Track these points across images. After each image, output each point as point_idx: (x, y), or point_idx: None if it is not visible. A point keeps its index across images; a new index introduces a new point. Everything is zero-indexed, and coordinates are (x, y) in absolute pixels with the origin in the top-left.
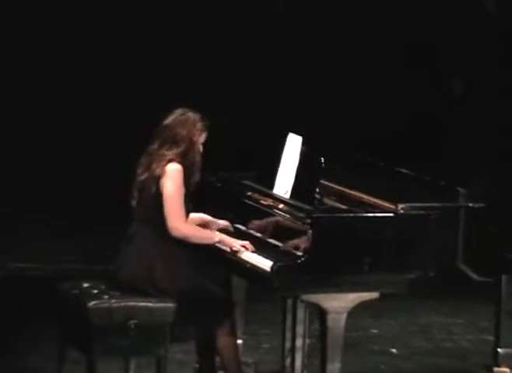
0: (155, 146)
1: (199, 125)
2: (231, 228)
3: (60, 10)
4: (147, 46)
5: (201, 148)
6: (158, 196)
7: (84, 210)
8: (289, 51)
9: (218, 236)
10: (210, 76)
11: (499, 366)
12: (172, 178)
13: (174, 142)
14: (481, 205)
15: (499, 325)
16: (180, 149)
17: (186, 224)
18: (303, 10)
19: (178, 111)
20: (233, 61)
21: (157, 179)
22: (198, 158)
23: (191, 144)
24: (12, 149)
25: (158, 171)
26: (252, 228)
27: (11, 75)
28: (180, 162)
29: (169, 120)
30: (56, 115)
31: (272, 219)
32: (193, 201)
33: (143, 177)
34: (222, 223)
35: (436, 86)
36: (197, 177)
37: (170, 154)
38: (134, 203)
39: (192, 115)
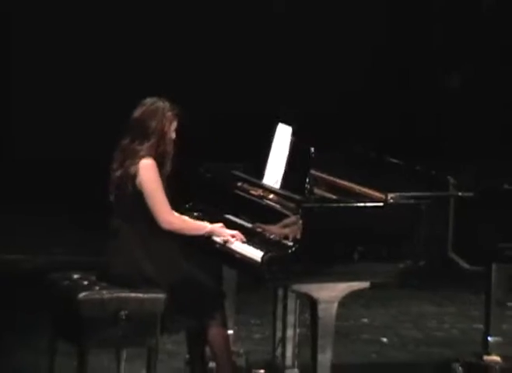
0: (127, 140)
1: (169, 114)
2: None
3: (57, 11)
4: (136, 47)
5: (173, 135)
6: (136, 195)
7: (73, 206)
8: (285, 50)
9: (208, 227)
10: (205, 75)
11: (489, 354)
12: (147, 174)
13: (145, 136)
14: (470, 194)
15: (490, 314)
16: (152, 142)
17: (176, 216)
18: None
19: (147, 101)
20: (226, 60)
21: (132, 178)
22: (169, 149)
23: (163, 135)
24: (3, 149)
25: (132, 169)
26: (243, 219)
27: None
28: (152, 156)
29: (138, 113)
30: (46, 114)
31: (263, 209)
32: (187, 197)
33: (118, 174)
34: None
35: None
36: (168, 167)
37: (141, 149)
38: (112, 198)
39: (161, 104)
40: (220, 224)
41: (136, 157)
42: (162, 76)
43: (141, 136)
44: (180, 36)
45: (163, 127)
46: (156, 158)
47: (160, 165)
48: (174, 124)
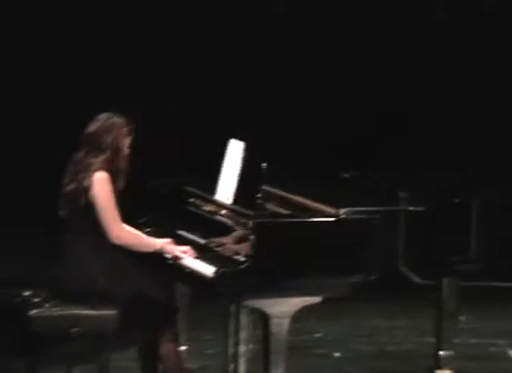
0: (81, 154)
1: (125, 130)
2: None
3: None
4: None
5: (127, 151)
6: (89, 207)
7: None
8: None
9: (160, 243)
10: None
11: (441, 368)
12: (101, 188)
13: (100, 150)
14: (422, 209)
15: (441, 327)
16: (106, 156)
17: (126, 231)
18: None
19: (103, 117)
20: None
21: (86, 191)
22: (123, 164)
23: (117, 150)
24: None
25: (86, 182)
26: (195, 234)
27: None
28: (106, 170)
29: (94, 128)
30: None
31: (215, 225)
32: (139, 212)
33: (70, 187)
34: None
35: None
36: (121, 183)
37: (96, 162)
38: (62, 213)
39: (117, 120)
40: (168, 240)
41: (90, 170)
42: (119, 89)
43: (96, 150)
44: (130, 52)
45: (118, 142)
46: (109, 173)
47: (114, 180)
48: (128, 140)
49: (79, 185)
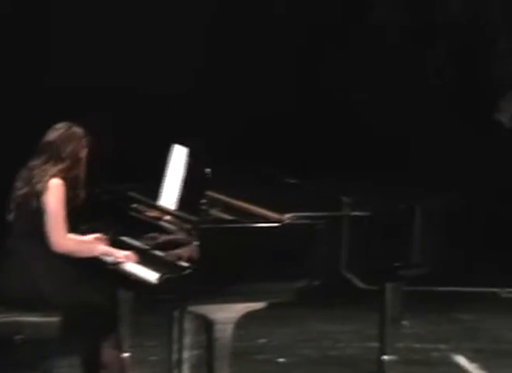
0: (38, 161)
1: (84, 141)
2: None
3: None
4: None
5: (84, 162)
6: (40, 211)
7: None
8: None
9: (101, 248)
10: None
11: None
12: (53, 194)
13: (60, 158)
14: (366, 214)
15: (384, 332)
16: (65, 165)
17: (67, 239)
18: None
19: (62, 126)
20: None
21: (38, 195)
22: (82, 174)
23: (77, 160)
24: None
25: (39, 186)
26: (138, 240)
27: None
28: (63, 178)
29: (54, 136)
30: None
31: (159, 231)
32: (82, 218)
33: (23, 191)
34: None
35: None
36: (82, 194)
37: (53, 170)
38: (11, 217)
39: (77, 130)
40: (99, 235)
41: (46, 176)
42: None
43: (55, 158)
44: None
45: (77, 153)
46: (65, 181)
47: (69, 189)
48: (86, 151)
49: (32, 189)
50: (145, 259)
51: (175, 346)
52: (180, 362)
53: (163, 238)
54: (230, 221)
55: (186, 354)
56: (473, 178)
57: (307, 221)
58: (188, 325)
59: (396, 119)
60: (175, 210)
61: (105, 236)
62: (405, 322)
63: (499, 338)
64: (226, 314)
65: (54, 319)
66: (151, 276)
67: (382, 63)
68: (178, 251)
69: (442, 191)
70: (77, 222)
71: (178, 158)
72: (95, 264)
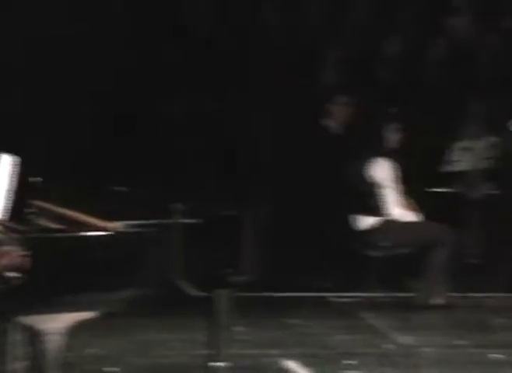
0: None
1: None
2: None
3: None
4: None
5: None
6: None
7: None
8: None
9: None
10: None
11: None
12: None
13: None
14: (195, 221)
15: (216, 339)
16: None
17: None
18: None
19: None
20: None
21: None
22: None
23: None
24: None
25: None
26: None
27: None
28: None
29: None
30: None
31: None
32: None
33: None
34: None
35: None
36: None
37: None
38: None
39: None
40: None
41: None
42: None
43: None
44: None
45: None
46: None
47: None
48: None
49: None
50: None
51: (7, 357)
52: None
53: None
54: (58, 231)
55: (18, 365)
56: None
57: (137, 229)
58: (19, 335)
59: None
60: (2, 220)
61: None
62: (236, 328)
63: (327, 343)
64: (55, 324)
65: None
66: None
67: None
68: (4, 261)
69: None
70: None
71: (4, 166)
72: None
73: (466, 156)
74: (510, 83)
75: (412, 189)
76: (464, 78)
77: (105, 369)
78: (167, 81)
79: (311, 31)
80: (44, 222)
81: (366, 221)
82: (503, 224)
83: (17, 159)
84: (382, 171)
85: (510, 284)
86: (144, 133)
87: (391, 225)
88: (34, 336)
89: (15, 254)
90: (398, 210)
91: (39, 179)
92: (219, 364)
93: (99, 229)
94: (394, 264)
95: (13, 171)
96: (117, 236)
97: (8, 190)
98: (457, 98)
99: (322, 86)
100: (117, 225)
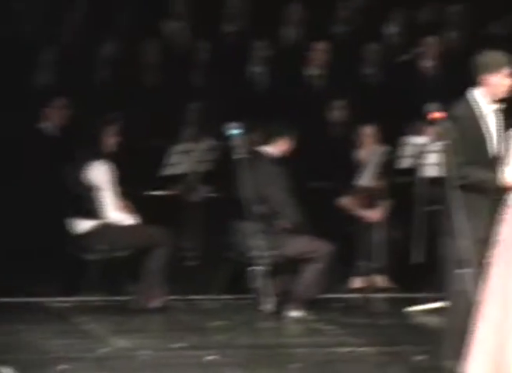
0: None
1: None
2: None
3: None
4: None
5: None
6: None
7: None
8: None
9: None
10: None
11: None
12: None
13: None
14: None
15: None
16: None
17: None
18: None
19: None
20: None
21: None
22: None
23: None
24: None
25: None
26: None
27: None
28: None
29: None
30: None
31: None
32: None
33: None
34: None
35: None
36: None
37: None
38: None
39: None
40: None
41: None
42: None
43: None
44: None
45: None
46: None
47: None
48: None
49: None
50: None
51: None
52: None
53: None
54: None
55: None
56: None
57: None
58: None
59: None
60: None
61: None
62: None
63: (43, 347)
64: None
65: None
66: None
67: None
68: None
69: None
70: None
71: None
72: None
73: (184, 159)
74: (225, 87)
75: (130, 192)
76: (182, 81)
77: None
78: None
79: (27, 31)
80: None
81: (83, 225)
82: (220, 226)
83: None
84: (99, 174)
85: (226, 286)
86: None
87: (108, 228)
88: None
89: None
90: (115, 213)
91: None
92: None
93: None
94: (111, 268)
95: None
96: None
97: None
98: (176, 101)
99: (38, 88)
100: None
